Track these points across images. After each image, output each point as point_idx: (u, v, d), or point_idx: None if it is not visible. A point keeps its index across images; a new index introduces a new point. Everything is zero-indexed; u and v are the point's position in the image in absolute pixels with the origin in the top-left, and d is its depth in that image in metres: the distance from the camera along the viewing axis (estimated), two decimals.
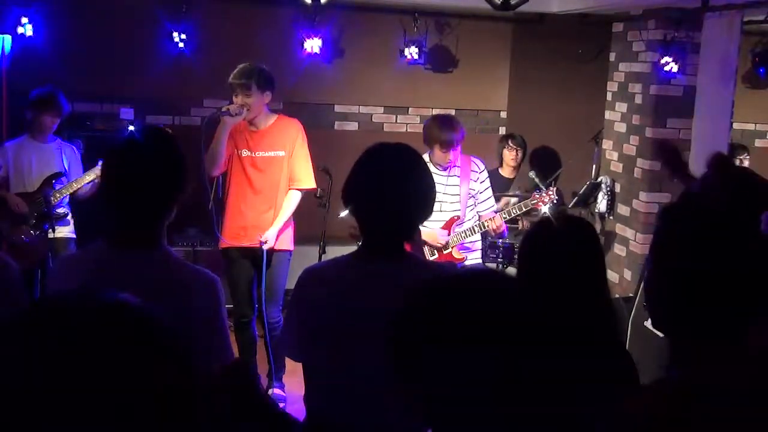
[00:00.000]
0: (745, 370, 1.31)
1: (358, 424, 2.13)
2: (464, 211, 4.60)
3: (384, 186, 2.15)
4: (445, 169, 4.55)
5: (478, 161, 4.70)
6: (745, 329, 1.34)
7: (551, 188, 4.91)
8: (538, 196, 4.81)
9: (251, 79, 4.36)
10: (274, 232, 4.50)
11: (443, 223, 4.58)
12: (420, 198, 2.20)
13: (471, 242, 4.71)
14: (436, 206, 4.51)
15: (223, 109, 4.38)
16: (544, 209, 4.80)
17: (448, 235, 4.57)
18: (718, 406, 1.28)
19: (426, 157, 4.58)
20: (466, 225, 4.63)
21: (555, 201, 4.87)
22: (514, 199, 4.95)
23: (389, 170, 2.17)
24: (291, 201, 4.56)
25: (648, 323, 4.44)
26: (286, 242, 4.63)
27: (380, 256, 2.15)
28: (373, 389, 1.99)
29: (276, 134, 4.53)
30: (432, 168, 4.51)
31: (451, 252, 4.60)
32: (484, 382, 1.12)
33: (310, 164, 4.59)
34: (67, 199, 5.05)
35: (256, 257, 4.55)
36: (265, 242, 4.48)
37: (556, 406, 1.17)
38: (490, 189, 4.76)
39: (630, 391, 1.93)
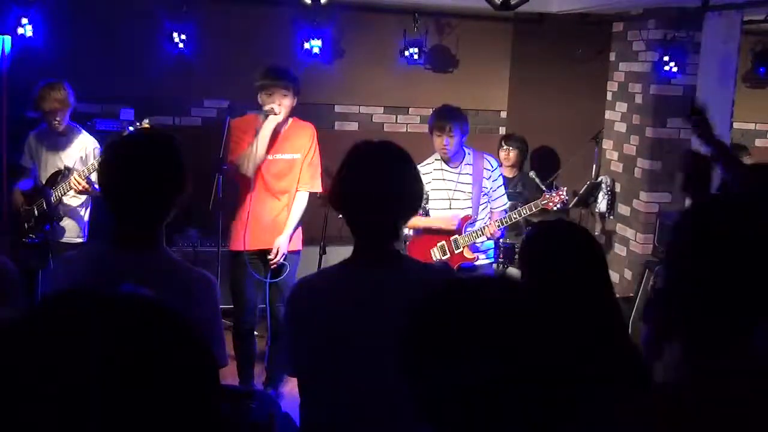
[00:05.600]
0: (748, 375, 1.32)
1: None
2: (476, 209, 4.59)
3: (367, 187, 2.07)
4: (455, 167, 4.54)
5: (491, 159, 4.69)
6: (750, 334, 1.35)
7: (561, 189, 4.85)
8: (548, 196, 4.76)
9: (291, 81, 4.36)
10: (286, 238, 4.44)
11: None
12: (406, 196, 2.11)
13: (480, 242, 4.70)
14: (446, 203, 4.59)
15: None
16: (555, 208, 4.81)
17: (462, 222, 4.55)
18: (721, 408, 1.28)
19: (437, 155, 4.60)
20: (478, 224, 4.62)
21: (565, 201, 4.84)
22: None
23: (371, 171, 2.09)
24: (299, 203, 4.51)
25: None
26: (297, 243, 4.57)
27: (372, 261, 2.07)
28: (370, 398, 1.98)
29: (291, 137, 4.50)
30: (443, 165, 4.58)
31: (462, 252, 4.60)
32: (491, 384, 1.12)
33: (319, 168, 4.56)
34: (77, 202, 4.85)
35: (266, 261, 4.47)
36: (276, 254, 4.39)
37: (560, 406, 1.17)
38: (503, 187, 4.75)
39: (633, 393, 1.93)
